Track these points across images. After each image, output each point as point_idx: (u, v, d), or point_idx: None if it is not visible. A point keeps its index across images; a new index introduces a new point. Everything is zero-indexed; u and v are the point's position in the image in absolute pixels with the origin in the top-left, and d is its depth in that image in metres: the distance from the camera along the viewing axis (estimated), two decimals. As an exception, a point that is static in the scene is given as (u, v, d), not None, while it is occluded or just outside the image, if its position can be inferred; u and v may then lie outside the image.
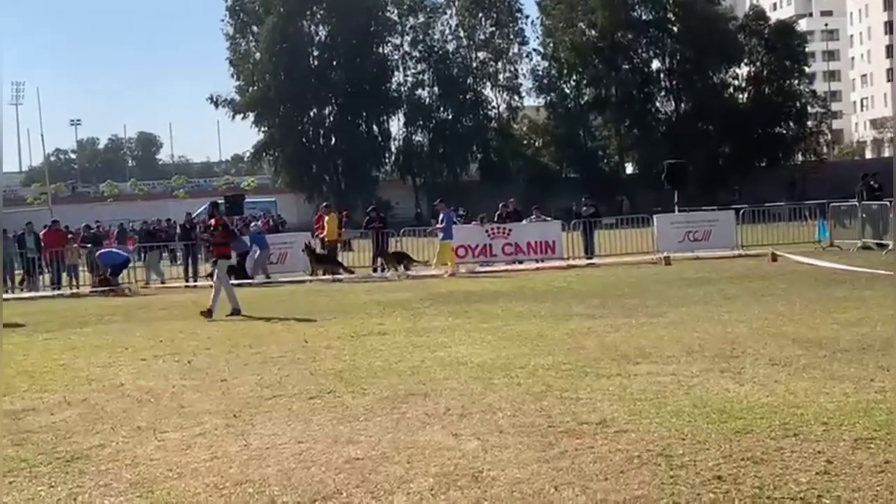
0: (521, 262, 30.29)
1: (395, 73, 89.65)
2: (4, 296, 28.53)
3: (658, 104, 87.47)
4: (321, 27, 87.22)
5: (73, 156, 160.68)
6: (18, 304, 26.06)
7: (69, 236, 32.24)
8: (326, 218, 31.17)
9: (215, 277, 20.09)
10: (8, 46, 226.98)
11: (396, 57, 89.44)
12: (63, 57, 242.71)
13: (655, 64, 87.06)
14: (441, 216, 29.53)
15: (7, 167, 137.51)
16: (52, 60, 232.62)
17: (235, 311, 18.98)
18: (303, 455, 7.78)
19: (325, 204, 34.55)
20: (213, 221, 21.11)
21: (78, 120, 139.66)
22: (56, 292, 28.78)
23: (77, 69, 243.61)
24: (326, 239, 30.12)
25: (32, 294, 28.59)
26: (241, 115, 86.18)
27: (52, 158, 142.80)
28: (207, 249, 21.46)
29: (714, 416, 8.29)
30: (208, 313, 18.65)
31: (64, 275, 30.26)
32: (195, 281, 30.31)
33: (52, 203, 58.56)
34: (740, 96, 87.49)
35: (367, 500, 6.56)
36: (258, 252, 29.67)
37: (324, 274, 28.73)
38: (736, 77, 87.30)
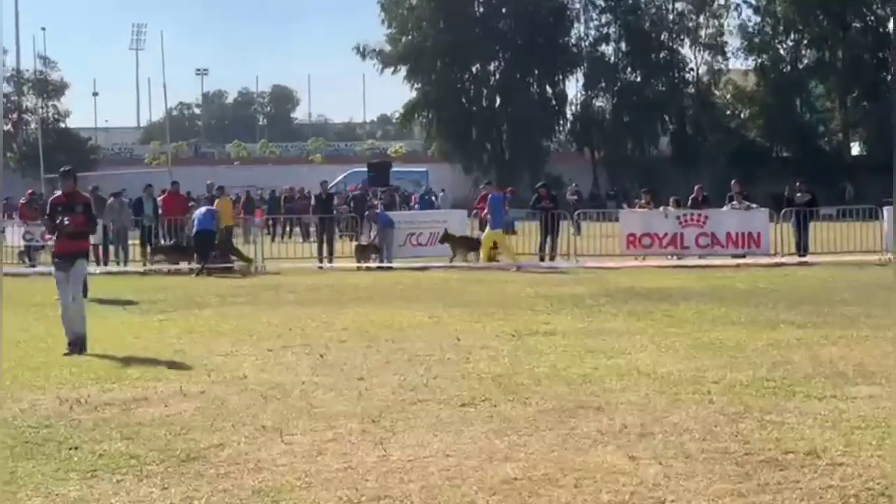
0: (743, 256, 29.82)
1: (575, 24, 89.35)
2: (116, 269, 29.56)
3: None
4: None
5: (197, 111, 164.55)
6: (131, 278, 26.94)
7: (190, 203, 33.03)
8: (218, 201, 31.01)
9: (64, 286, 14.67)
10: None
11: (577, 5, 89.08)
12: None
13: (893, 24, 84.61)
14: (489, 199, 29.96)
15: (124, 121, 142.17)
16: (179, 0, 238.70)
17: (74, 345, 14.23)
18: (451, 471, 7.86)
19: (218, 186, 34.45)
20: (59, 195, 15.40)
21: (205, 69, 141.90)
22: (174, 266, 29.61)
23: (206, 11, 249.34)
24: (223, 224, 30.09)
25: (148, 268, 29.49)
26: (392, 68, 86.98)
27: (175, 113, 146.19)
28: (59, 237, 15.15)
29: (951, 453, 8.08)
30: (78, 346, 14.21)
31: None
32: (330, 261, 30.84)
33: (173, 164, 60.10)
34: None
35: (525, 527, 6.61)
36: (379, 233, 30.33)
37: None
38: None
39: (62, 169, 15.89)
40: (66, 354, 13.86)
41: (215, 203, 30.86)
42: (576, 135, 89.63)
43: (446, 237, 30.14)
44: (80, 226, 14.89)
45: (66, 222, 14.62)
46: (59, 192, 15.49)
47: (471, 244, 30.02)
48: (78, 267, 14.82)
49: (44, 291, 22.10)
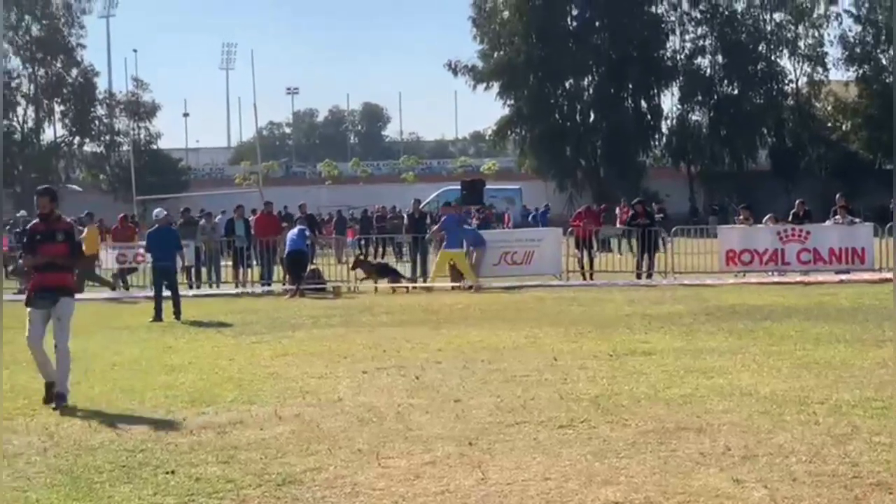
0: (847, 272, 29.48)
1: (671, 37, 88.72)
2: (208, 291, 29.90)
3: None
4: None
5: (287, 130, 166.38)
6: (224, 300, 27.23)
7: (283, 224, 33.25)
8: (85, 231, 30.37)
9: (38, 327, 12.52)
10: (219, 4, 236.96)
11: (672, 18, 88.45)
12: (281, 16, 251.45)
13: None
14: (443, 219, 30.61)
15: (214, 142, 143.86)
16: (269, 20, 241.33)
17: (54, 395, 12.24)
18: (550, 494, 7.85)
19: (86, 213, 34.27)
20: (37, 222, 13.14)
21: (295, 88, 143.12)
22: (266, 288, 29.88)
23: (296, 30, 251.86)
24: (87, 253, 29.83)
25: (240, 290, 29.80)
26: (484, 84, 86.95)
27: (265, 132, 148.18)
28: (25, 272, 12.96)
29: None
30: (58, 398, 12.13)
31: (276, 268, 31.23)
32: (425, 280, 30.89)
33: (264, 184, 60.59)
34: None
35: (627, 553, 6.57)
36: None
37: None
38: None
39: (39, 188, 13.47)
40: (46, 402, 12.21)
41: (85, 230, 30.08)
42: (671, 149, 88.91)
43: (359, 263, 30.87)
44: (60, 256, 12.64)
45: (41, 255, 12.57)
46: (36, 219, 13.40)
47: (382, 270, 30.36)
48: (62, 309, 12.51)
49: (136, 314, 22.48)
